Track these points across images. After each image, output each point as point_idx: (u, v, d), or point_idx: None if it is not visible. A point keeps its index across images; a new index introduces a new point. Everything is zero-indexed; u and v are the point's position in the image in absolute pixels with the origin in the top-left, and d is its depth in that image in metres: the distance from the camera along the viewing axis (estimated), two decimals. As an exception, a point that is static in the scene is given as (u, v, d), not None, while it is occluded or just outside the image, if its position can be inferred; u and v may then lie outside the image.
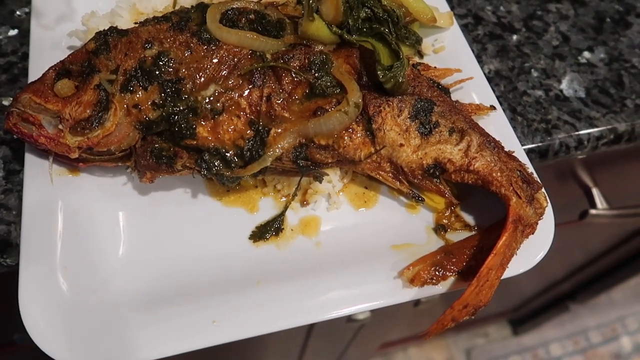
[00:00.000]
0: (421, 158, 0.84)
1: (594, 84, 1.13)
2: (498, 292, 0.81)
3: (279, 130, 0.79)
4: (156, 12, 0.97)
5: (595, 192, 1.43)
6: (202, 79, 0.80)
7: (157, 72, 0.79)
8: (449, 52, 1.03)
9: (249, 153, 0.79)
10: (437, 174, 0.85)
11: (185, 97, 0.79)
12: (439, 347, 3.04)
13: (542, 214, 0.85)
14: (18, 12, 1.08)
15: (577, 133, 1.06)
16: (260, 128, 0.79)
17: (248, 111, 0.80)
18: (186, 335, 0.75)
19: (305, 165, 0.81)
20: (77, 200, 0.84)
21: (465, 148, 0.84)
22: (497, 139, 0.88)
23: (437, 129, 0.84)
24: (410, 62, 0.92)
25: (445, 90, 0.95)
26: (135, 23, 0.87)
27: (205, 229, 0.86)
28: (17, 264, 0.76)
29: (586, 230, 1.86)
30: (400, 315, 2.14)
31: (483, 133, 0.87)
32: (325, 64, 0.82)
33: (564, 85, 1.13)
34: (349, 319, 1.64)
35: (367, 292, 0.80)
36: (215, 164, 0.79)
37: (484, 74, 1.02)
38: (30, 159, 0.84)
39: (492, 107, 0.95)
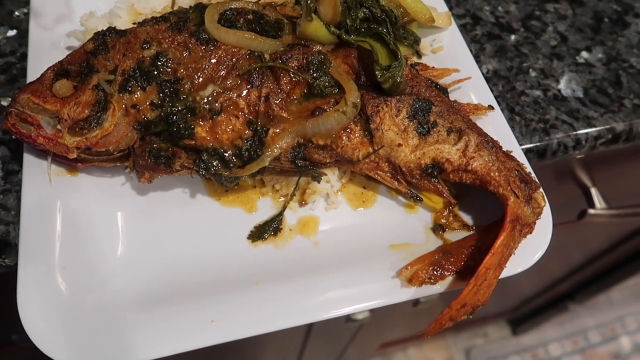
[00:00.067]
0: (419, 158, 0.84)
1: (592, 83, 1.14)
2: (497, 292, 0.81)
3: (277, 130, 0.79)
4: (154, 13, 0.97)
5: (593, 191, 1.43)
6: (201, 79, 0.80)
7: (156, 73, 0.79)
8: (447, 52, 1.03)
9: (247, 153, 0.79)
10: (435, 173, 0.85)
11: (183, 97, 0.79)
12: (438, 347, 3.05)
13: (540, 213, 0.85)
14: (17, 13, 1.08)
15: (575, 133, 1.06)
16: (258, 128, 0.79)
17: (246, 111, 0.80)
18: (185, 335, 0.75)
19: (304, 165, 0.81)
20: (75, 200, 0.84)
21: (463, 148, 0.84)
22: (495, 139, 0.88)
23: (435, 129, 0.84)
24: (409, 62, 0.92)
25: (444, 90, 0.95)
26: (134, 23, 0.87)
27: (204, 229, 0.86)
28: (16, 264, 0.76)
29: (585, 230, 1.86)
30: (399, 316, 2.15)
31: (481, 133, 0.87)
32: (324, 64, 0.82)
33: (562, 85, 1.13)
34: (348, 319, 1.64)
35: (365, 292, 0.80)
36: (214, 164, 0.79)
37: (482, 74, 1.02)
38: (28, 159, 0.84)
39: (490, 107, 0.95)
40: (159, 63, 0.79)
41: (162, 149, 0.80)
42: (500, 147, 0.88)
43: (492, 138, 0.88)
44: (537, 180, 0.87)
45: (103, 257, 0.81)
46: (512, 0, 1.25)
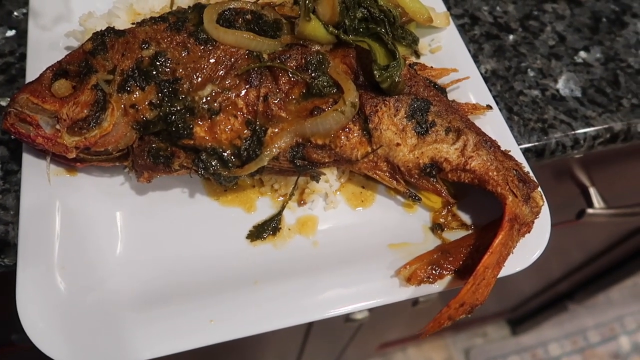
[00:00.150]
0: (418, 157, 0.84)
1: (590, 83, 1.14)
2: (496, 291, 0.81)
3: (276, 130, 0.79)
4: (153, 13, 0.97)
5: (592, 191, 1.43)
6: (199, 79, 0.80)
7: (154, 72, 0.79)
8: (446, 52, 1.04)
9: (246, 153, 0.79)
10: (434, 173, 0.85)
11: (182, 97, 0.79)
12: (437, 347, 3.05)
13: (538, 212, 0.86)
14: (15, 13, 1.08)
15: (573, 132, 1.07)
16: (257, 128, 0.79)
17: (245, 111, 0.80)
18: (184, 335, 0.75)
19: (302, 164, 0.82)
20: (74, 200, 0.84)
21: (461, 147, 0.84)
22: (494, 139, 0.88)
23: (433, 129, 0.84)
24: (407, 62, 0.93)
25: (442, 90, 0.95)
26: (133, 23, 0.87)
27: (203, 228, 0.86)
28: (15, 264, 0.77)
29: (583, 229, 1.86)
30: (399, 315, 2.15)
31: (479, 132, 0.87)
32: (322, 64, 0.82)
33: (560, 84, 1.13)
34: (347, 318, 1.64)
35: (364, 291, 0.81)
36: (213, 163, 0.79)
37: (481, 73, 1.02)
38: (27, 159, 0.84)
39: (489, 107, 0.96)
40: (157, 63, 0.79)
41: (161, 148, 0.80)
42: (499, 147, 0.88)
43: (490, 138, 0.88)
44: (535, 179, 0.87)
45: (102, 256, 0.81)
46: (510, 0, 1.25)
